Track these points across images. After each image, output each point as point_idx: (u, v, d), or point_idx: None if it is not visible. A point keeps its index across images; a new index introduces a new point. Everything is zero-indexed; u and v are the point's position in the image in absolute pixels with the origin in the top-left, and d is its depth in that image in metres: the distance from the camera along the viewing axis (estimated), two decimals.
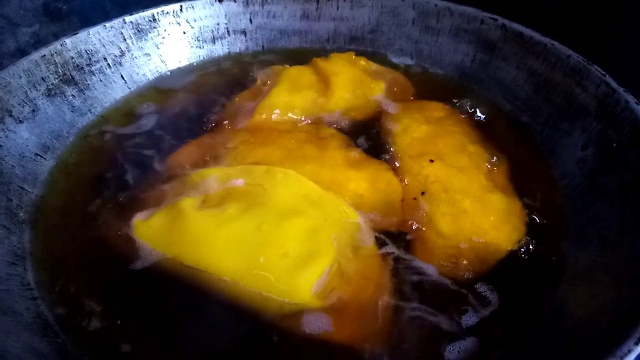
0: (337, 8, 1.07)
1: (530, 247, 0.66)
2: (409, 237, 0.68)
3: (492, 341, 0.57)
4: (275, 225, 0.65)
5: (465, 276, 0.63)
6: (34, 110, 0.80)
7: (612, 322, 0.51)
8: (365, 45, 1.09)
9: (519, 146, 0.83)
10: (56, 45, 0.85)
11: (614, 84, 0.74)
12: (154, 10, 0.98)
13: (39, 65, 0.83)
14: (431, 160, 0.75)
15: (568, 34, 0.88)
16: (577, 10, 1.05)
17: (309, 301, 0.60)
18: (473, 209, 0.68)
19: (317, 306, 0.60)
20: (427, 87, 0.98)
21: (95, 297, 0.62)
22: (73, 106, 0.87)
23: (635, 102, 0.70)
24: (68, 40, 0.87)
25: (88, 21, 0.97)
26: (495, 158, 0.79)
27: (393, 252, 0.66)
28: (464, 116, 0.89)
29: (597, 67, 0.78)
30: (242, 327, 0.59)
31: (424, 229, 0.68)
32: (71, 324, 0.59)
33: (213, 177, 0.74)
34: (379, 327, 0.59)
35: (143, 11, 0.97)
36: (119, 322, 0.59)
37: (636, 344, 0.44)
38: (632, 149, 0.67)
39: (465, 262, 0.64)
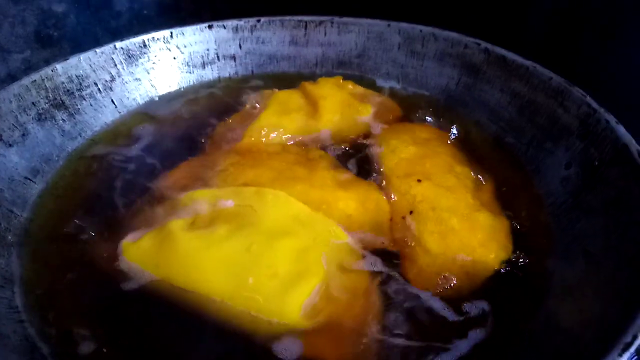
0: (325, 34, 1.10)
1: (518, 264, 0.67)
2: (397, 255, 0.68)
3: (481, 358, 0.58)
4: (264, 246, 0.65)
5: (454, 293, 0.64)
6: (24, 135, 0.81)
7: (597, 334, 0.52)
8: (352, 69, 1.11)
9: (504, 166, 0.85)
10: (47, 71, 0.86)
11: (594, 104, 0.76)
12: (145, 37, 1.00)
13: (30, 90, 0.83)
14: (419, 180, 0.76)
15: (550, 59, 0.90)
16: (559, 35, 1.09)
17: (298, 321, 0.60)
18: (461, 227, 0.69)
19: (305, 326, 0.60)
20: (413, 109, 0.99)
21: (84, 320, 0.61)
22: (63, 130, 0.87)
23: (616, 122, 0.72)
24: (59, 66, 0.88)
25: (79, 47, 0.99)
26: (481, 178, 0.80)
27: (382, 271, 0.66)
28: (449, 137, 0.90)
29: (578, 88, 0.80)
30: (232, 348, 0.59)
31: (412, 247, 0.69)
32: (59, 347, 0.58)
33: (203, 199, 0.74)
34: (368, 347, 0.58)
35: (134, 37, 0.98)
36: (107, 346, 0.58)
37: (620, 355, 0.45)
38: (614, 167, 0.69)
39: (453, 279, 0.65)
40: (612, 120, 0.72)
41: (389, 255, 0.68)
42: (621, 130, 0.70)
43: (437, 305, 0.62)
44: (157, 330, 0.61)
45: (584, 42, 1.05)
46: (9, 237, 0.70)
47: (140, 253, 0.66)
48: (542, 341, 0.58)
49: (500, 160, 0.86)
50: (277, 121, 0.91)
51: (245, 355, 0.58)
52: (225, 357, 0.58)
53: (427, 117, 0.96)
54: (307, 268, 0.64)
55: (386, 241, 0.71)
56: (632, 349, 0.46)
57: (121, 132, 0.93)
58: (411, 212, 0.72)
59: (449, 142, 0.88)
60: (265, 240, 0.66)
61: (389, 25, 1.05)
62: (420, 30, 1.03)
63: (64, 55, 0.90)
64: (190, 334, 0.60)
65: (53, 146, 0.85)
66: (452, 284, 0.64)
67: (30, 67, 1.16)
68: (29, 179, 0.79)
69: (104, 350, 0.58)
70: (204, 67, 1.08)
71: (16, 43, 1.13)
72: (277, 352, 0.57)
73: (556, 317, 0.60)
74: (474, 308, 0.62)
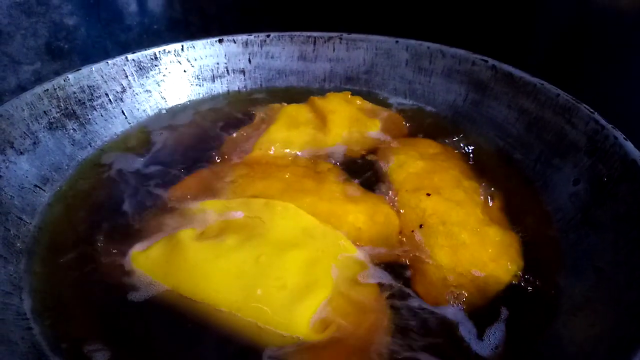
0: (334, 50, 1.11)
1: (528, 279, 0.67)
2: (407, 269, 0.68)
3: None
4: (273, 257, 0.65)
5: (465, 309, 0.63)
6: (34, 143, 0.81)
7: (611, 349, 0.51)
8: (360, 85, 1.12)
9: (512, 182, 0.85)
10: (59, 80, 0.87)
11: (602, 121, 0.76)
12: (156, 49, 1.01)
13: (42, 99, 0.84)
14: (428, 194, 0.76)
15: (554, 77, 0.91)
16: (563, 54, 1.10)
17: (306, 334, 0.59)
18: (471, 241, 0.69)
19: (314, 339, 0.59)
20: (420, 125, 1.00)
21: (92, 328, 0.61)
22: (73, 140, 0.88)
23: (624, 138, 0.72)
24: (71, 76, 0.89)
25: (89, 60, 1.00)
26: (490, 193, 0.80)
27: (391, 285, 0.66)
28: (457, 153, 0.91)
29: (585, 105, 0.80)
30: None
31: (423, 261, 0.68)
32: (67, 355, 0.58)
33: (212, 209, 0.74)
34: None
35: (145, 50, 0.99)
36: (114, 355, 0.58)
37: None
38: (623, 183, 0.69)
39: (464, 294, 0.64)
40: (620, 136, 0.73)
41: (399, 269, 0.68)
42: (630, 146, 0.71)
43: (448, 320, 0.62)
44: (164, 340, 0.60)
45: (588, 61, 1.06)
46: (18, 244, 0.70)
47: (149, 262, 0.66)
48: (554, 356, 0.57)
49: (508, 176, 0.86)
50: (286, 134, 0.91)
51: None
52: None
53: (434, 133, 0.96)
54: (316, 280, 0.64)
55: (395, 255, 0.70)
56: None
57: (131, 142, 0.93)
58: (421, 226, 0.72)
59: (456, 157, 0.89)
60: (274, 252, 0.66)
61: (397, 41, 1.07)
62: (428, 47, 1.04)
63: (73, 68, 0.92)
64: (197, 344, 0.59)
65: (63, 155, 0.86)
66: (462, 299, 0.64)
67: (40, 79, 1.17)
68: (39, 187, 0.79)
69: (111, 358, 0.57)
70: (214, 81, 1.09)
71: (27, 55, 1.15)
72: None
73: (567, 332, 0.59)
74: (484, 323, 0.62)
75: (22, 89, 1.14)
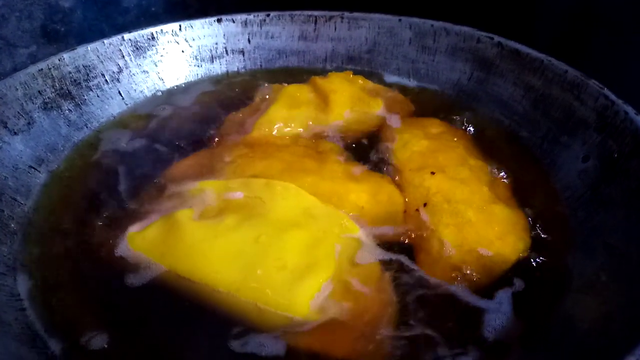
0: (335, 29, 1.09)
1: (536, 258, 0.65)
2: (411, 248, 0.66)
3: (501, 354, 0.55)
4: (273, 237, 0.63)
5: (470, 288, 0.61)
6: (29, 123, 0.80)
7: (623, 327, 0.49)
8: (362, 64, 1.10)
9: (519, 160, 0.83)
10: (54, 60, 0.85)
11: (612, 96, 0.74)
12: (153, 29, 0.99)
13: (36, 79, 0.82)
14: (432, 173, 0.74)
15: (561, 54, 0.89)
16: (570, 31, 1.07)
17: (307, 315, 0.57)
18: (477, 219, 0.67)
19: (315, 320, 0.57)
20: (424, 105, 0.98)
21: (87, 309, 0.59)
22: (69, 120, 0.86)
23: (635, 113, 0.70)
24: (66, 55, 0.87)
25: (85, 43, 0.98)
26: (496, 171, 0.78)
27: (396, 264, 0.64)
28: (462, 132, 0.88)
29: (594, 80, 0.78)
30: (239, 340, 0.56)
31: (427, 240, 0.67)
32: (61, 336, 0.56)
33: (211, 189, 0.72)
34: (381, 343, 0.56)
35: (142, 29, 0.97)
36: (110, 336, 0.56)
37: None
38: (634, 159, 0.67)
39: (471, 273, 0.62)
40: (632, 111, 0.71)
41: (403, 249, 0.66)
42: None
43: (454, 300, 0.60)
44: (161, 322, 0.59)
45: (595, 38, 1.03)
46: (12, 225, 0.69)
47: (145, 242, 0.65)
48: (565, 336, 0.55)
49: (515, 155, 0.84)
50: (287, 114, 0.89)
51: (253, 347, 0.56)
52: (231, 350, 0.56)
53: (438, 112, 0.94)
54: (317, 261, 0.62)
55: (400, 234, 0.68)
56: None
57: (128, 123, 0.92)
58: (425, 205, 0.70)
59: (461, 136, 0.86)
60: (274, 232, 0.64)
61: (400, 20, 1.04)
62: (432, 25, 1.01)
63: None
64: (195, 326, 0.58)
65: (58, 136, 0.84)
66: (468, 278, 0.62)
67: (35, 62, 1.14)
68: (34, 168, 0.77)
69: (107, 340, 0.56)
70: (213, 61, 1.06)
71: (22, 37, 1.12)
72: (285, 346, 0.55)
73: (577, 312, 0.58)
74: (491, 302, 0.60)
75: (17, 71, 1.11)
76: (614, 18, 1.00)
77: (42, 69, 0.83)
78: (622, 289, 0.56)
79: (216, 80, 1.06)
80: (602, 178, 0.71)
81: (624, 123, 0.71)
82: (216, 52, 1.06)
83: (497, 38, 0.94)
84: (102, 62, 0.92)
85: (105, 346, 0.55)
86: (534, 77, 0.88)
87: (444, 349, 0.55)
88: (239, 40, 1.07)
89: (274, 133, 0.87)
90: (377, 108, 0.94)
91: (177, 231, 0.64)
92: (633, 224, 0.61)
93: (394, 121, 0.91)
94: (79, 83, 0.89)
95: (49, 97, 0.84)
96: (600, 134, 0.74)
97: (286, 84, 0.98)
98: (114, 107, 0.94)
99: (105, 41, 0.93)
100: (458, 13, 1.04)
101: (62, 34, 1.19)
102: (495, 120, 0.92)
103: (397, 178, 0.77)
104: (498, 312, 0.59)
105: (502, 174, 0.78)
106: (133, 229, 0.67)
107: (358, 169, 0.78)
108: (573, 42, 1.07)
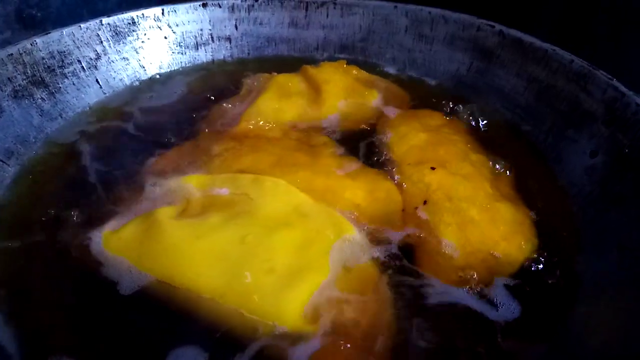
0: (327, 16, 1.04)
1: (544, 260, 0.61)
2: (411, 250, 0.62)
3: None
4: (261, 237, 0.59)
5: (475, 292, 0.57)
6: None
7: None
8: (356, 53, 1.06)
9: (522, 155, 0.79)
10: (25, 44, 0.79)
11: (622, 88, 0.70)
12: (134, 13, 0.93)
13: (6, 64, 0.76)
14: (432, 168, 0.70)
15: (566, 41, 0.85)
16: (573, 20, 1.03)
17: (298, 325, 0.52)
18: (480, 218, 0.63)
19: (306, 331, 0.52)
20: (421, 96, 0.94)
21: (56, 315, 0.54)
22: (42, 110, 0.80)
23: None
24: (39, 40, 0.81)
25: None
26: (499, 166, 0.74)
27: (394, 267, 0.60)
28: (462, 125, 0.84)
29: (602, 71, 0.74)
30: (220, 354, 0.51)
31: (428, 240, 0.62)
32: (26, 344, 0.51)
33: (194, 185, 0.68)
34: (379, 355, 0.51)
35: (122, 13, 0.91)
36: (79, 344, 0.51)
37: None
38: None
39: (474, 276, 0.58)
40: None
41: (402, 250, 0.62)
42: None
43: (456, 305, 0.56)
44: (135, 329, 0.54)
45: (600, 26, 1.00)
46: None
47: (121, 243, 0.60)
48: (576, 345, 0.51)
49: (518, 149, 0.80)
50: (277, 105, 0.85)
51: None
52: None
53: (436, 104, 0.89)
54: (309, 264, 0.57)
55: (398, 234, 0.64)
56: None
57: (105, 113, 0.86)
58: (425, 202, 0.66)
59: (462, 130, 0.82)
60: (262, 232, 0.60)
61: (395, 7, 1.00)
62: (429, 12, 0.97)
63: None
64: (174, 336, 0.52)
65: (30, 126, 0.78)
66: (472, 282, 0.58)
67: None
68: (2, 161, 0.72)
69: (76, 348, 0.51)
70: (197, 49, 1.01)
71: None
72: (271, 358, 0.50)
73: (591, 319, 0.54)
74: (497, 308, 0.56)
75: None
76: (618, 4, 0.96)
77: (12, 54, 0.77)
78: (638, 293, 0.51)
79: (201, 68, 1.01)
80: (611, 174, 0.67)
81: (635, 116, 0.67)
82: (201, 38, 1.01)
83: (498, 26, 0.90)
84: (78, 47, 0.86)
85: (74, 355, 0.50)
86: (537, 68, 0.84)
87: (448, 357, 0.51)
88: (225, 26, 1.02)
89: (263, 125, 0.82)
90: (373, 99, 0.90)
91: (155, 231, 0.59)
92: None
93: (390, 113, 0.87)
94: (53, 70, 0.83)
95: (19, 85, 0.78)
96: (609, 127, 0.70)
97: (276, 73, 0.93)
98: (91, 96, 0.88)
99: (82, 25, 0.87)
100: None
101: (39, 19, 1.12)
102: (497, 113, 0.88)
103: (394, 173, 0.72)
104: (503, 319, 0.54)
105: (505, 170, 0.74)
106: (108, 228, 0.62)
107: (353, 164, 0.74)
108: (576, 30, 1.03)
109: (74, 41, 0.86)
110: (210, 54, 1.03)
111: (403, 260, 0.60)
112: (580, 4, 1.02)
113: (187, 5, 0.98)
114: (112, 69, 0.91)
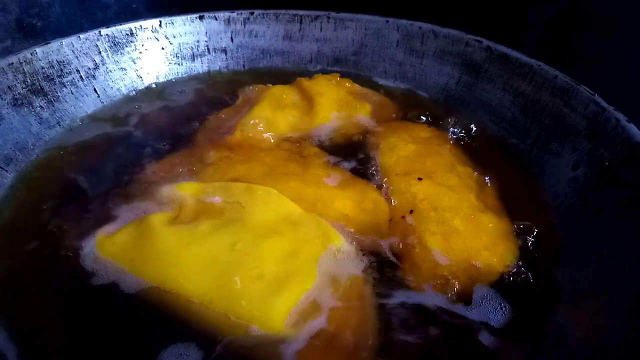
0: (321, 29, 1.06)
1: (524, 269, 0.62)
2: (397, 258, 0.63)
3: None
4: (251, 244, 0.60)
5: (458, 299, 0.59)
6: None
7: (620, 340, 0.47)
8: (348, 67, 1.08)
9: (507, 168, 0.81)
10: (26, 54, 0.81)
11: (603, 103, 0.72)
12: (132, 25, 0.95)
13: (6, 73, 0.78)
14: (419, 179, 0.71)
15: (551, 58, 0.87)
16: (559, 35, 1.06)
17: (283, 330, 0.54)
18: (464, 228, 0.64)
19: (291, 336, 0.54)
20: (411, 109, 0.95)
21: (52, 318, 0.56)
22: (41, 118, 0.82)
23: (627, 120, 0.68)
24: (39, 50, 0.83)
25: None
26: (484, 179, 0.76)
27: (380, 276, 0.61)
28: (449, 137, 0.86)
29: (585, 86, 0.76)
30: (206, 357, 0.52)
31: (413, 249, 0.64)
32: (23, 347, 0.52)
33: (187, 193, 0.69)
34: None
35: (120, 24, 0.93)
36: (74, 346, 0.53)
37: None
38: (626, 167, 0.65)
39: (457, 283, 0.60)
40: (623, 118, 0.69)
41: (388, 259, 0.63)
42: (633, 129, 0.67)
43: (440, 312, 0.57)
44: (128, 332, 0.55)
45: (584, 43, 1.02)
46: None
47: (115, 248, 0.61)
48: (556, 351, 0.53)
49: (503, 162, 0.82)
50: (271, 116, 0.86)
51: None
52: None
53: (425, 117, 0.91)
54: (296, 272, 0.59)
55: (385, 243, 0.65)
56: None
57: (103, 122, 0.88)
58: (411, 212, 0.67)
59: (449, 142, 0.84)
60: (252, 239, 0.61)
61: (387, 21, 1.02)
62: (420, 27, 0.99)
63: None
64: (165, 337, 0.53)
65: (29, 134, 0.80)
66: (454, 289, 0.59)
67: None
68: (1, 168, 0.74)
69: (70, 351, 0.52)
70: (194, 60, 1.03)
71: None
72: None
73: (569, 324, 0.55)
74: (479, 315, 0.57)
75: None
76: (602, 17, 0.99)
77: (12, 63, 0.79)
78: (616, 302, 0.53)
79: (197, 79, 1.03)
80: (592, 187, 0.69)
81: (615, 130, 0.69)
82: (197, 50, 1.03)
83: (486, 42, 0.92)
84: (77, 57, 0.88)
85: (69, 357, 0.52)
86: (523, 83, 0.86)
87: None
88: (221, 38, 1.04)
89: (256, 135, 0.83)
90: (364, 112, 0.91)
91: (148, 236, 0.60)
92: (626, 235, 0.59)
93: (381, 125, 0.89)
94: (52, 79, 0.85)
95: (19, 93, 0.80)
96: (591, 141, 0.72)
97: (270, 85, 0.95)
98: (89, 105, 0.90)
99: (81, 36, 0.89)
100: (447, 15, 1.02)
101: (39, 29, 1.14)
102: (484, 126, 0.90)
103: (382, 183, 0.74)
104: (485, 326, 0.56)
105: (490, 181, 0.76)
106: (103, 233, 0.63)
107: (343, 174, 0.76)
108: (561, 46, 1.05)
109: (73, 51, 0.88)
110: (206, 65, 1.05)
111: (389, 268, 0.62)
112: (565, 21, 1.04)
113: (184, 17, 1.00)
114: (110, 78, 0.93)
